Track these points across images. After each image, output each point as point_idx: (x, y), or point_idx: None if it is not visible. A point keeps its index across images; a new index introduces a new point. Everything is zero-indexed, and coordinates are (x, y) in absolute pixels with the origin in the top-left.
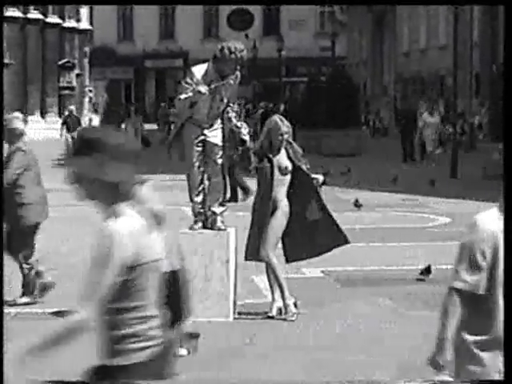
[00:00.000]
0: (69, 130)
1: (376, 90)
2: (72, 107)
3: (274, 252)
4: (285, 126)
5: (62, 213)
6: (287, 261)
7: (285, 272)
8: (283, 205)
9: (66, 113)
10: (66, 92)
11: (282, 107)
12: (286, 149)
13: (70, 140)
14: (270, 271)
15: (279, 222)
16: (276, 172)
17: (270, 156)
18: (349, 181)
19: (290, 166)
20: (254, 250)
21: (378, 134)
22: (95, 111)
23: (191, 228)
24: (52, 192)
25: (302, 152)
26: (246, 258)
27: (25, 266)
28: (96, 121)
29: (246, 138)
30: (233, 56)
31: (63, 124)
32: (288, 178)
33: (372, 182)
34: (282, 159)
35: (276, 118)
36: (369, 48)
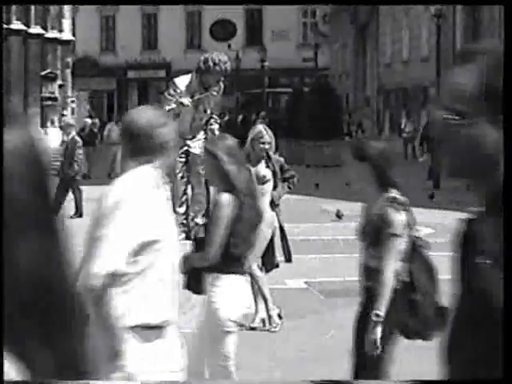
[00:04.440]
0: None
1: (359, 101)
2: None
3: (258, 263)
4: (267, 136)
5: None
6: None
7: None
8: (267, 216)
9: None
10: (49, 103)
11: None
12: (264, 159)
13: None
14: (254, 282)
15: (263, 233)
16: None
17: (248, 166)
18: (333, 192)
19: (268, 174)
20: None
21: None
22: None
23: None
24: None
25: (286, 165)
26: None
27: None
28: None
29: None
30: (217, 68)
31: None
32: (268, 186)
33: (355, 193)
34: (259, 168)
35: (260, 126)
36: (351, 59)
